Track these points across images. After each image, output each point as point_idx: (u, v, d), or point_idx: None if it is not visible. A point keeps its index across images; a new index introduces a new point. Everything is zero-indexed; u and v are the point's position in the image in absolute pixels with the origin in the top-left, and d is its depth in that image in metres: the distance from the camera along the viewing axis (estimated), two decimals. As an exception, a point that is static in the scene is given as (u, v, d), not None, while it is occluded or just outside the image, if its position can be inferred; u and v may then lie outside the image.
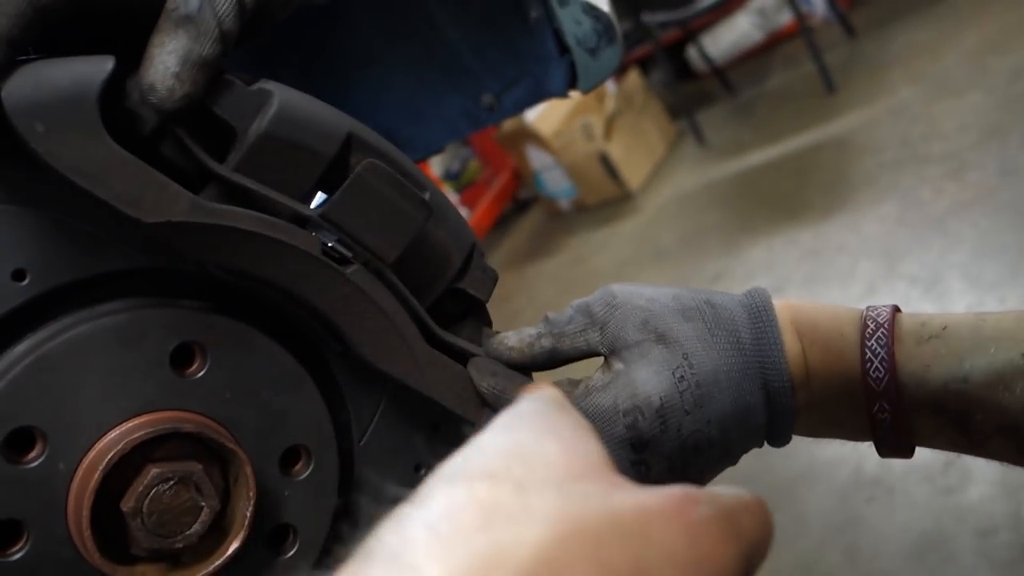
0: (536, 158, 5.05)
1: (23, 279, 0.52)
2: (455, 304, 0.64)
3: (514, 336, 0.63)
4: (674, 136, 5.14)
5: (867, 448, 0.65)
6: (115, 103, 0.51)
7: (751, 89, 5.08)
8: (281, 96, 0.54)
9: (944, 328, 0.60)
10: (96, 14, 0.51)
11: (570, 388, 0.62)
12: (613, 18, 0.98)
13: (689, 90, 5.30)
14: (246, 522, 0.56)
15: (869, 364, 0.60)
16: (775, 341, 0.61)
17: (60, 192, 0.52)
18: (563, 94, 1.06)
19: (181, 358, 0.56)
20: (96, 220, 0.54)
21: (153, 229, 0.51)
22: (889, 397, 0.60)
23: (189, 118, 0.52)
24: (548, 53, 1.01)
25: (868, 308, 0.63)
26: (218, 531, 0.56)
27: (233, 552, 0.56)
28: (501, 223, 5.57)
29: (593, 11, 0.97)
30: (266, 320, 0.60)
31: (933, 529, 2.11)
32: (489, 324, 0.67)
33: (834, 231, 3.34)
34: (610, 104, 4.85)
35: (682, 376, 0.59)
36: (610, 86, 4.88)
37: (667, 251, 4.05)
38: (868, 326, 0.61)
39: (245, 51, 0.59)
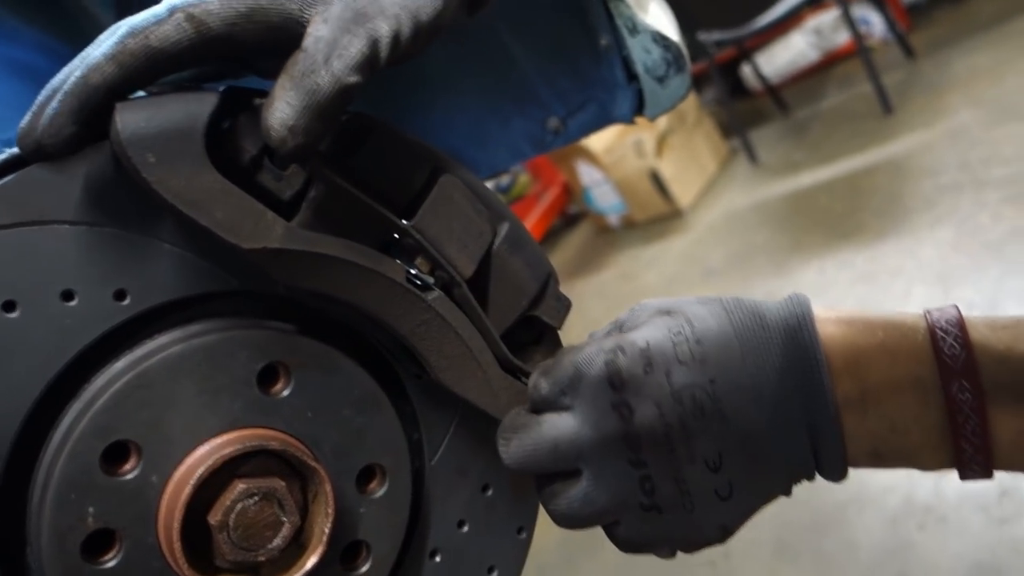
0: (586, 174, 5.07)
1: (124, 299, 0.55)
2: (529, 331, 0.66)
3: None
4: (726, 154, 5.12)
5: (919, 475, 0.62)
6: (218, 134, 0.54)
7: (805, 109, 5.04)
8: (379, 129, 0.57)
9: (1018, 322, 0.56)
10: (220, 56, 0.54)
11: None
12: (682, 47, 0.99)
13: (742, 108, 5.27)
14: (324, 538, 0.58)
15: (942, 341, 0.55)
16: (806, 318, 0.57)
17: (160, 217, 0.55)
18: (629, 120, 1.07)
19: (267, 377, 0.58)
20: (192, 244, 0.56)
21: (249, 255, 0.54)
22: (969, 375, 0.54)
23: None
24: (616, 80, 1.03)
25: (929, 309, 0.59)
26: (296, 546, 0.58)
27: (311, 567, 0.57)
28: (550, 237, 5.59)
29: (663, 40, 0.98)
30: (347, 342, 0.62)
31: (987, 560, 2.07)
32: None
33: (889, 254, 3.30)
34: (662, 121, 4.84)
35: (679, 331, 0.57)
36: (662, 103, 4.87)
37: (716, 270, 4.03)
38: (932, 313, 0.57)
39: None
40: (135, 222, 0.55)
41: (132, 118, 0.51)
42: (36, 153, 0.52)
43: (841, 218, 3.76)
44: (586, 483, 0.58)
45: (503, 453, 0.60)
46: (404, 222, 0.59)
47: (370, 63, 0.52)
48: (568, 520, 0.60)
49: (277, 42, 0.53)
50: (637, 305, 0.62)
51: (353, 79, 0.51)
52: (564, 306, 0.66)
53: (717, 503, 0.57)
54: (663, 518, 0.57)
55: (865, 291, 3.19)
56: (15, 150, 0.53)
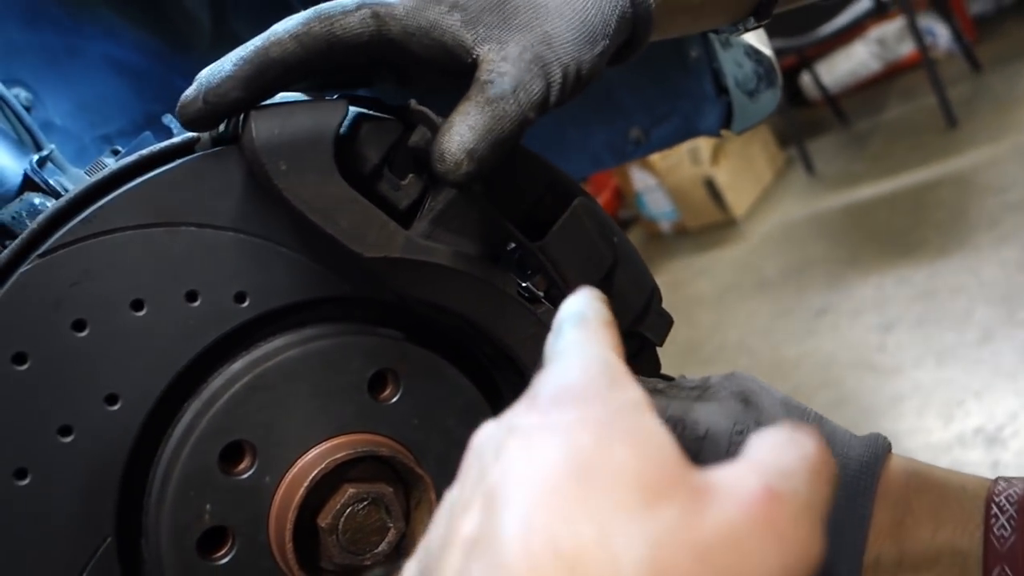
0: (639, 179, 5.05)
1: (244, 301, 0.56)
2: (630, 345, 0.66)
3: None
4: (782, 163, 5.06)
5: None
6: (343, 142, 0.55)
7: (866, 120, 4.97)
8: None
9: None
10: (394, 65, 0.55)
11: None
12: (775, 61, 0.99)
13: (800, 117, 5.21)
14: (427, 545, 0.58)
15: (995, 520, 0.52)
16: (874, 466, 0.54)
17: (279, 222, 0.56)
18: (715, 133, 1.06)
19: (377, 384, 0.59)
20: (309, 249, 0.57)
21: (370, 263, 0.54)
22: (1014, 561, 0.51)
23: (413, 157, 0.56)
24: (704, 92, 1.02)
25: (1000, 477, 0.56)
26: (399, 552, 0.59)
27: (414, 573, 0.58)
28: (599, 241, 5.57)
29: (756, 54, 0.98)
30: (453, 351, 0.62)
31: None
32: (658, 366, 0.68)
33: (951, 272, 3.23)
34: (719, 128, 4.81)
35: (741, 431, 0.55)
36: (720, 110, 4.84)
37: (770, 281, 3.98)
38: (998, 483, 0.54)
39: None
40: (256, 226, 0.56)
41: (266, 125, 0.52)
42: (197, 115, 0.52)
43: (901, 233, 3.70)
44: None
45: None
46: (530, 242, 0.59)
47: (545, 104, 0.53)
48: None
49: (441, 63, 0.54)
50: (735, 373, 0.60)
51: (532, 115, 0.53)
52: (666, 323, 0.66)
53: None
54: None
55: (924, 309, 3.13)
56: (166, 143, 0.54)
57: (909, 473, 0.56)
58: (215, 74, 0.52)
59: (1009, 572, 0.51)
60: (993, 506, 0.53)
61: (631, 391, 0.36)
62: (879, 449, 0.56)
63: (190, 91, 0.53)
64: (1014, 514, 0.52)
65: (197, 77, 0.54)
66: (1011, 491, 0.53)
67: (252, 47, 0.52)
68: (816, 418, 0.57)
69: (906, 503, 0.54)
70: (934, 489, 0.55)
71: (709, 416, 0.56)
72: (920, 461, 0.57)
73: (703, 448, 0.54)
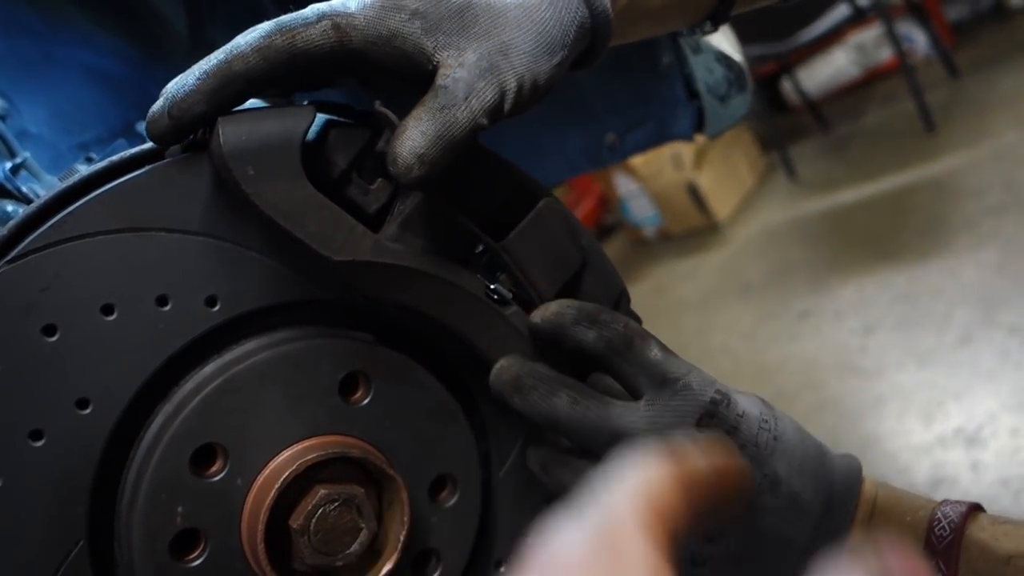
0: (623, 185, 5.07)
1: (214, 305, 0.56)
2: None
3: None
4: (764, 169, 5.10)
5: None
6: (309, 147, 0.55)
7: (846, 125, 5.01)
8: None
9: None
10: (356, 72, 0.55)
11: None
12: (745, 67, 1.00)
13: (781, 123, 5.25)
14: (399, 545, 0.59)
15: (937, 523, 0.59)
16: (859, 473, 0.61)
17: (249, 227, 0.57)
18: (688, 137, 1.08)
19: (348, 386, 0.60)
20: (278, 254, 0.58)
21: (339, 266, 0.55)
22: (948, 557, 0.57)
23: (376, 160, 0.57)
24: (676, 98, 1.04)
25: (948, 499, 0.63)
26: (371, 552, 0.59)
27: (386, 573, 0.58)
28: (584, 247, 5.58)
29: (726, 60, 0.99)
30: (423, 353, 0.63)
31: None
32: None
33: (930, 275, 3.26)
34: (701, 134, 4.83)
35: (767, 420, 0.60)
36: (702, 116, 4.88)
37: (753, 285, 4.01)
38: (946, 502, 0.61)
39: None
40: (226, 231, 0.56)
41: (233, 131, 0.52)
42: (165, 130, 0.53)
43: (881, 237, 3.73)
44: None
45: (537, 398, 0.58)
46: (494, 242, 0.60)
47: (498, 111, 0.55)
48: (554, 492, 0.61)
49: (403, 70, 0.55)
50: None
51: (485, 121, 0.54)
52: (635, 324, 0.67)
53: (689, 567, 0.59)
54: None
55: (905, 311, 3.16)
56: (136, 150, 0.55)
57: (878, 484, 0.63)
58: (180, 88, 0.53)
59: (943, 566, 0.58)
60: (938, 513, 0.60)
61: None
62: (856, 462, 0.63)
63: (157, 106, 0.54)
64: (955, 519, 0.59)
65: (163, 91, 0.54)
66: (955, 506, 0.60)
67: (215, 60, 0.53)
68: (816, 445, 0.62)
69: (874, 503, 0.61)
70: (893, 497, 0.62)
71: (744, 403, 0.60)
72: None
73: (738, 427, 0.58)
